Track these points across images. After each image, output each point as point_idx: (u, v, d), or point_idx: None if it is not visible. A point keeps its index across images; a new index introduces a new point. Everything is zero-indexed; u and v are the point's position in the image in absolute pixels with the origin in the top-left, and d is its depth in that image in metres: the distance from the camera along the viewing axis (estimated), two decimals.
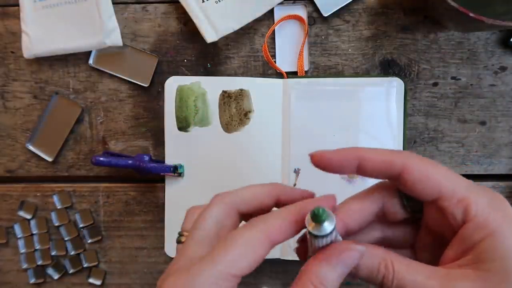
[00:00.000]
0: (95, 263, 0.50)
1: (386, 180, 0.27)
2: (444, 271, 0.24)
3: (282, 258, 0.46)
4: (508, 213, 0.24)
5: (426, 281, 0.23)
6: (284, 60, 0.48)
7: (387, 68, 0.47)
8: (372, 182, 0.46)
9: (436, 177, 0.25)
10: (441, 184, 0.25)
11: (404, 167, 0.25)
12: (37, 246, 0.50)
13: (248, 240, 0.24)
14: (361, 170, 0.27)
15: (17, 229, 0.50)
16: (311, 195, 0.27)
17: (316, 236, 0.24)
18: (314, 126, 0.46)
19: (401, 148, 0.45)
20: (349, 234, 0.26)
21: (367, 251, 0.24)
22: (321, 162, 0.26)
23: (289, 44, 0.48)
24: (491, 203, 0.24)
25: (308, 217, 0.24)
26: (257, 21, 0.47)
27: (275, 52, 0.48)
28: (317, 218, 0.23)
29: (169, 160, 0.47)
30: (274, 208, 0.29)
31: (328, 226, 0.23)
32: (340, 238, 0.25)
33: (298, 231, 0.25)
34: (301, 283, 0.24)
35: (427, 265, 0.25)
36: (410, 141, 0.48)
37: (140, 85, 0.48)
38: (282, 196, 0.27)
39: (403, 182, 0.25)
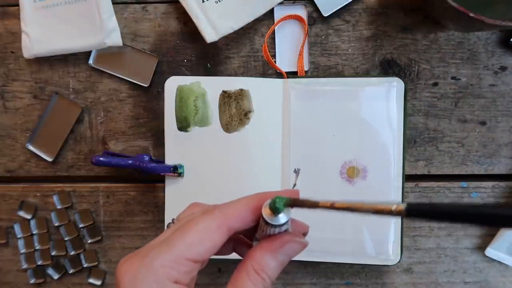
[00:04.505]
0: (95, 263, 0.50)
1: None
2: None
3: None
4: None
5: None
6: (284, 60, 0.48)
7: (387, 68, 0.47)
8: (371, 182, 0.46)
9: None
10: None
11: None
12: (37, 246, 0.50)
13: (204, 226, 0.25)
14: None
15: (17, 229, 0.50)
16: (297, 193, 0.28)
17: (268, 223, 0.25)
18: (314, 126, 0.46)
19: (401, 148, 0.45)
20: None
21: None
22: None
23: (289, 44, 0.48)
24: None
25: (266, 204, 0.25)
26: (257, 21, 0.47)
27: (275, 52, 0.48)
28: (275, 208, 0.24)
29: (169, 160, 0.47)
30: None
31: (282, 218, 0.24)
32: (289, 229, 0.26)
33: (257, 219, 0.26)
34: (244, 267, 0.25)
35: None
36: (410, 141, 0.48)
37: (140, 85, 0.48)
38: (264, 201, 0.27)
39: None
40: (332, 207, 0.24)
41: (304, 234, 0.29)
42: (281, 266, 0.26)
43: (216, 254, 0.27)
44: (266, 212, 0.25)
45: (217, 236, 0.25)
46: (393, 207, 0.22)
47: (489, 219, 0.20)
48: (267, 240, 0.26)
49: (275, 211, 0.24)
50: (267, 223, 0.25)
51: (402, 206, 0.22)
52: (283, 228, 0.25)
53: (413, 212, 0.22)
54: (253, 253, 0.26)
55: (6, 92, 0.50)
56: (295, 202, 0.25)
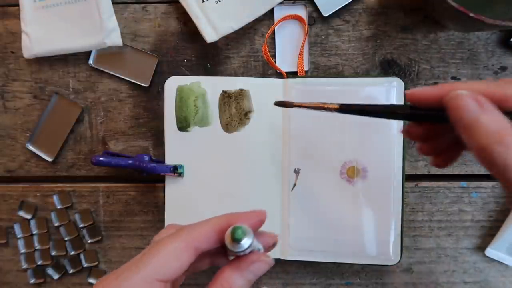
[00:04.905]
0: (95, 263, 0.50)
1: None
2: None
3: (282, 258, 0.46)
4: None
5: None
6: (284, 60, 0.48)
7: (387, 68, 0.47)
8: (371, 182, 0.46)
9: None
10: None
11: (502, 98, 0.25)
12: (37, 246, 0.50)
13: (172, 248, 0.27)
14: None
15: (17, 229, 0.50)
16: (263, 214, 0.29)
17: (231, 250, 0.26)
18: (314, 126, 0.46)
19: (401, 148, 0.45)
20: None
21: (491, 115, 0.25)
22: (413, 97, 0.28)
23: (289, 44, 0.48)
24: None
25: (227, 234, 0.26)
26: (257, 21, 0.47)
27: (275, 52, 0.48)
28: (234, 238, 0.25)
29: (169, 160, 0.47)
30: None
31: (245, 243, 0.26)
32: (259, 246, 0.28)
33: (223, 240, 0.28)
34: (214, 285, 0.27)
35: None
36: (410, 141, 0.48)
37: (140, 85, 0.48)
38: (233, 223, 0.28)
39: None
40: (286, 105, 0.35)
41: (274, 244, 0.31)
42: (248, 284, 0.28)
43: (191, 271, 0.29)
44: (228, 240, 0.26)
45: (184, 257, 0.27)
46: (326, 105, 0.32)
47: (390, 114, 0.28)
48: (236, 259, 0.28)
49: (234, 241, 0.26)
50: (230, 250, 0.26)
51: (336, 105, 0.31)
52: (247, 251, 0.27)
53: (345, 109, 0.31)
54: (222, 272, 0.28)
55: (6, 92, 0.50)
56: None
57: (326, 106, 0.31)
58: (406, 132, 0.31)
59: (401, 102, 0.45)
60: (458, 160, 0.31)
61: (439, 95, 0.27)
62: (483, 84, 0.26)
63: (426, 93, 0.27)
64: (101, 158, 0.45)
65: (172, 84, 0.46)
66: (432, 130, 0.30)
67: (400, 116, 0.29)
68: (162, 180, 0.48)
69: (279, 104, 0.37)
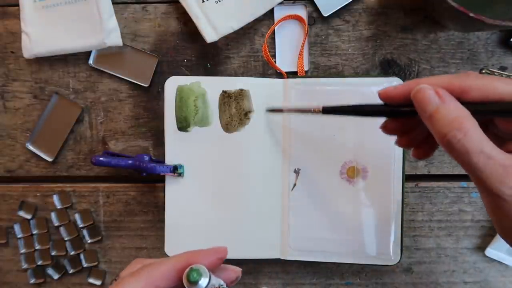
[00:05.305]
0: (95, 263, 0.50)
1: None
2: (510, 155, 0.26)
3: (282, 258, 0.46)
4: None
5: (489, 151, 0.26)
6: (284, 60, 0.48)
7: (387, 68, 0.47)
8: (371, 182, 0.46)
9: (496, 91, 0.26)
10: (503, 98, 0.26)
11: (463, 89, 0.27)
12: (37, 246, 0.50)
13: None
14: None
15: (17, 229, 0.50)
16: (223, 251, 0.29)
17: None
18: (314, 126, 0.46)
19: (401, 148, 0.45)
20: None
21: (449, 105, 0.27)
22: (386, 96, 0.30)
23: (289, 44, 0.48)
24: None
25: (184, 276, 0.26)
26: (257, 21, 0.47)
27: (275, 52, 0.48)
28: (190, 281, 0.26)
29: (169, 160, 0.47)
30: None
31: (202, 283, 0.26)
32: (221, 282, 0.28)
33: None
34: None
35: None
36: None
37: (140, 85, 0.48)
38: (192, 262, 0.28)
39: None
40: (276, 111, 0.42)
41: (237, 278, 0.31)
42: None
43: None
44: (185, 282, 0.26)
45: None
46: (312, 108, 0.35)
47: (367, 112, 0.31)
48: None
49: (191, 283, 0.26)
50: None
51: (319, 107, 0.35)
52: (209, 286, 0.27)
53: (327, 111, 0.34)
54: None
55: (6, 92, 0.50)
56: None
57: (311, 109, 0.35)
58: (384, 128, 0.32)
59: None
60: (436, 151, 0.33)
61: (407, 91, 0.29)
62: (445, 77, 0.28)
63: (396, 91, 0.29)
64: (101, 158, 0.45)
65: (172, 84, 0.46)
66: (407, 124, 0.32)
67: (377, 114, 0.31)
68: (162, 180, 0.48)
69: (272, 110, 0.43)
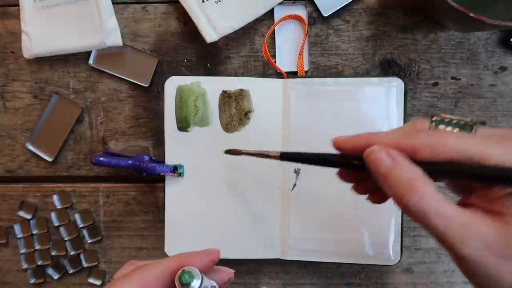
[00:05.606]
0: (95, 263, 0.50)
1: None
2: (468, 212, 0.25)
3: (282, 258, 0.46)
4: None
5: (447, 211, 0.25)
6: (284, 60, 0.48)
7: (387, 68, 0.47)
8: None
9: (445, 149, 0.26)
10: (453, 156, 0.25)
11: (414, 150, 0.26)
12: (37, 246, 0.50)
13: None
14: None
15: (17, 229, 0.50)
16: (216, 253, 0.30)
17: None
18: (314, 126, 0.46)
19: None
20: None
21: (402, 167, 0.26)
22: (339, 147, 0.30)
23: (289, 44, 0.48)
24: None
25: (176, 278, 0.27)
26: (257, 21, 0.47)
27: (275, 52, 0.48)
28: (182, 282, 0.26)
29: (169, 160, 0.47)
30: None
31: (194, 285, 0.26)
32: (213, 283, 0.28)
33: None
34: None
35: (453, 202, 0.26)
36: None
37: (140, 85, 0.48)
38: (185, 264, 0.29)
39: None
40: (234, 152, 0.41)
41: (229, 280, 0.31)
42: None
43: None
44: (177, 284, 0.27)
45: None
46: (270, 153, 0.35)
47: (322, 162, 0.31)
48: None
49: (183, 285, 0.26)
50: None
51: (277, 153, 0.34)
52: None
53: (284, 157, 0.34)
54: None
55: (6, 92, 0.50)
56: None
57: (269, 154, 0.35)
58: (339, 176, 0.33)
59: (401, 102, 0.45)
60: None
61: (359, 144, 0.28)
62: (396, 135, 0.27)
63: (349, 144, 0.29)
64: (101, 158, 0.45)
65: (172, 84, 0.46)
66: (362, 174, 0.31)
67: (332, 164, 0.31)
68: (162, 180, 0.48)
69: (229, 152, 0.42)
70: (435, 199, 0.25)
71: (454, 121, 0.28)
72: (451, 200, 0.26)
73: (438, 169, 0.26)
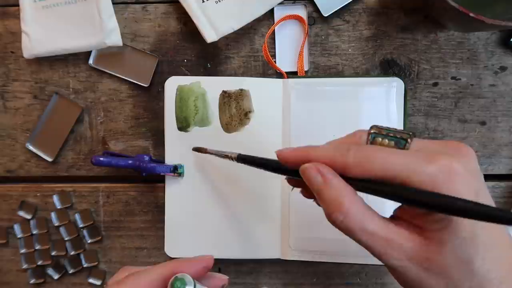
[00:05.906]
0: (95, 263, 0.50)
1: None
2: (392, 227, 0.27)
3: (282, 258, 0.46)
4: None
5: (370, 228, 0.26)
6: (284, 60, 0.48)
7: (387, 68, 0.47)
8: None
9: (373, 167, 0.26)
10: (379, 175, 0.26)
11: (345, 167, 0.27)
12: (37, 246, 0.50)
13: None
14: None
15: (17, 229, 0.50)
16: (208, 260, 0.30)
17: None
18: (314, 126, 0.46)
19: None
20: None
21: (331, 185, 0.27)
22: (282, 159, 0.30)
23: (289, 44, 0.48)
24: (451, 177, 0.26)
25: (168, 285, 0.27)
26: (257, 21, 0.47)
27: (275, 52, 0.48)
28: None
29: (169, 160, 0.47)
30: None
31: None
32: None
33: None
34: None
35: (381, 216, 0.28)
36: None
37: (140, 85, 0.48)
38: (178, 271, 0.29)
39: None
40: (200, 150, 0.44)
41: (223, 286, 0.32)
42: None
43: None
44: None
45: None
46: (229, 154, 0.37)
47: (273, 168, 0.32)
48: None
49: None
50: None
51: (235, 155, 0.36)
52: None
53: (241, 159, 0.36)
54: None
55: (6, 92, 0.50)
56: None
57: (228, 155, 0.37)
58: (288, 182, 0.34)
59: (401, 102, 0.45)
60: None
61: (299, 159, 0.29)
62: (332, 150, 0.28)
63: (290, 157, 0.30)
64: (101, 158, 0.45)
65: (172, 84, 0.46)
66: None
67: (281, 172, 0.32)
68: (162, 180, 0.48)
69: (196, 150, 0.45)
70: (360, 216, 0.26)
71: (391, 134, 0.28)
72: (376, 215, 0.27)
73: (367, 187, 0.26)
